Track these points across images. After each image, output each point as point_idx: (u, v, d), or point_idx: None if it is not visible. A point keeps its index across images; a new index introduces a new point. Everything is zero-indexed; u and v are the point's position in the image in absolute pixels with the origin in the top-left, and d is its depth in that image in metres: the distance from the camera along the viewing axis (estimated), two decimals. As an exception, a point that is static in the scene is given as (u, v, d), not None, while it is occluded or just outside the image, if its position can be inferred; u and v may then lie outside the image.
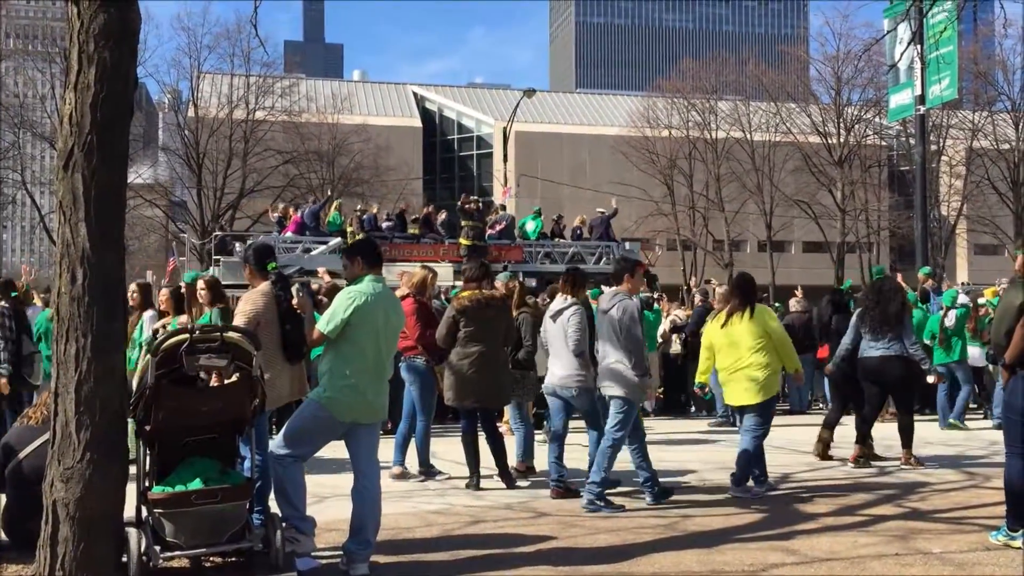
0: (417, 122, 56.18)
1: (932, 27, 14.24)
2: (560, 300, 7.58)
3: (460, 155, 58.54)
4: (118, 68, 4.88)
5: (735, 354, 7.62)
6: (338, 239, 20.61)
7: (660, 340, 15.38)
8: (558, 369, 7.41)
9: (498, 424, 8.45)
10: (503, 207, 23.90)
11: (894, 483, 8.12)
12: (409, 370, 8.31)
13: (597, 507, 6.88)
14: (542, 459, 8.85)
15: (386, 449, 7.00)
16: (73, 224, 4.74)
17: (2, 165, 46.01)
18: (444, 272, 18.43)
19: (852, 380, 9.49)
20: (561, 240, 23.71)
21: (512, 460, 8.27)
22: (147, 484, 4.80)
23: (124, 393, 4.83)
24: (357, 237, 19.74)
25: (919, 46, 14.68)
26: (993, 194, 46.41)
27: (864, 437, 9.20)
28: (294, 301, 5.83)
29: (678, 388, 15.46)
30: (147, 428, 4.69)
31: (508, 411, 9.04)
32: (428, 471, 8.27)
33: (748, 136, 47.89)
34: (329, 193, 24.45)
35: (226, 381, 4.93)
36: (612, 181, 44.25)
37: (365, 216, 21.55)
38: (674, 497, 7.39)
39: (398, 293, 7.46)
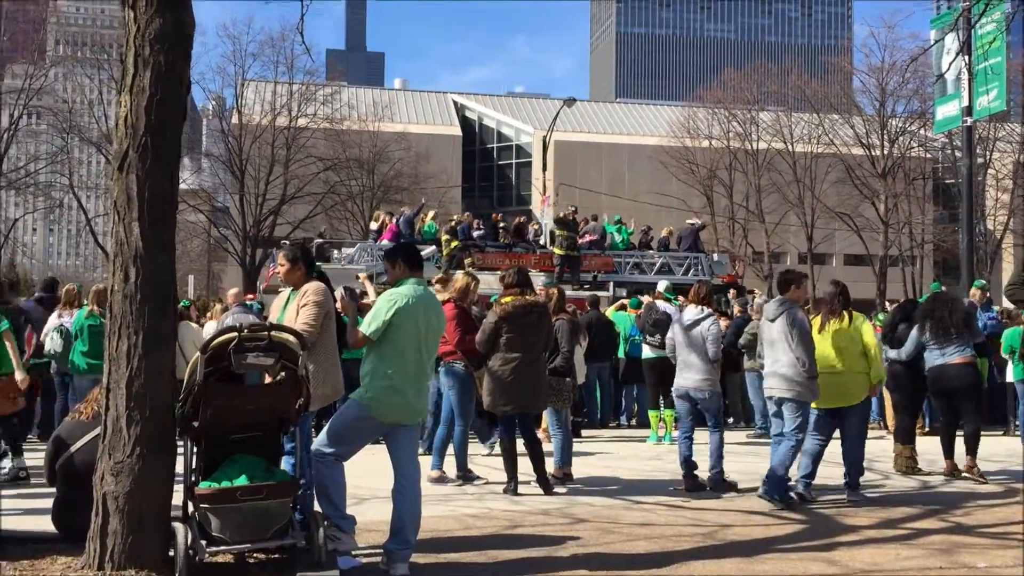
0: (457, 130, 56.46)
1: (981, 37, 14.05)
2: (695, 310, 8.34)
3: (499, 164, 58.71)
4: (172, 71, 5.00)
5: (833, 358, 7.77)
6: (432, 247, 21.10)
7: (699, 350, 15.30)
8: (693, 373, 8.20)
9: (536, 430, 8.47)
10: (594, 217, 24.16)
11: (938, 496, 8.01)
12: (448, 374, 8.37)
13: (789, 500, 7.39)
14: (579, 465, 8.88)
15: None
16: (127, 224, 4.86)
17: (51, 170, 47.00)
18: (537, 281, 18.81)
19: (908, 389, 9.52)
20: (649, 251, 23.97)
21: (550, 466, 8.28)
22: (194, 480, 4.89)
23: (173, 389, 4.93)
24: (452, 245, 20.13)
25: (967, 57, 14.49)
26: (1041, 208, 45.62)
27: (950, 451, 9.14)
28: (338, 304, 5.90)
29: (716, 399, 15.35)
30: (195, 425, 4.78)
31: (546, 417, 9.05)
32: (466, 475, 8.31)
33: (790, 147, 47.49)
34: (423, 202, 24.85)
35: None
36: (651, 191, 44.16)
37: (460, 225, 21.93)
38: (712, 506, 7.35)
39: (440, 298, 7.52)
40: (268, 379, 5.03)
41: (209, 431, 4.81)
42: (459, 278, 8.75)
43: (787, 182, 46.88)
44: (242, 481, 4.75)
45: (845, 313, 7.94)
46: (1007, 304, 12.85)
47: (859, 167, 45.60)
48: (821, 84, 52.23)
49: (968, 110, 15.91)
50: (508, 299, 7.89)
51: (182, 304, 13.79)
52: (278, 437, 5.18)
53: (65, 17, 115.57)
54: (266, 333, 4.84)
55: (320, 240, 24.89)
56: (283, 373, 4.92)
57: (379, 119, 46.63)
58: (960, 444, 9.20)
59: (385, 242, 21.54)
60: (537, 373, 7.91)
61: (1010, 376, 12.20)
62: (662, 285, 13.85)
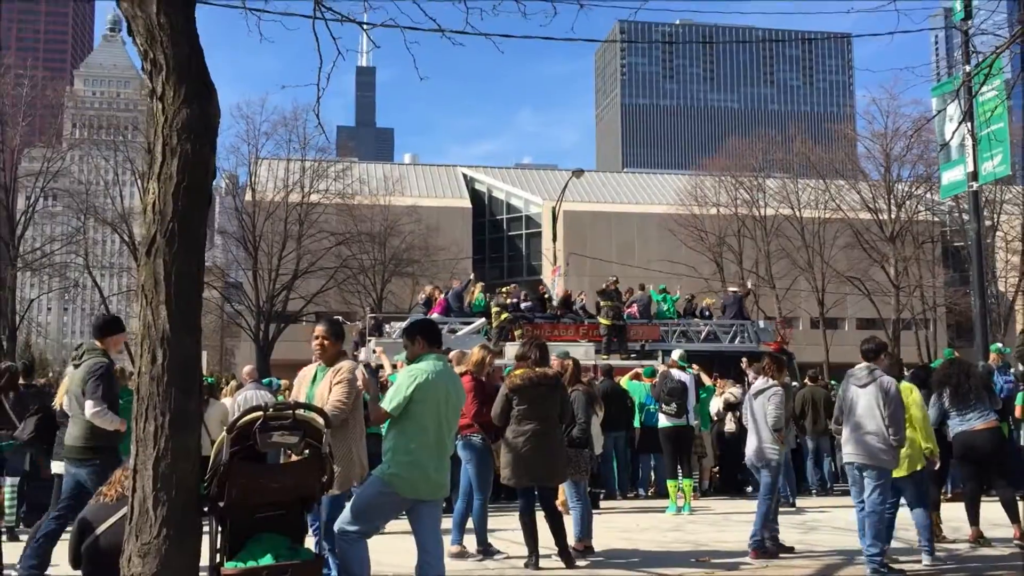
0: (467, 202, 57.10)
1: (982, 104, 14.29)
2: (762, 381, 8.82)
3: (509, 234, 59.19)
4: (199, 159, 5.16)
5: None
6: (482, 319, 21.48)
7: (715, 418, 15.26)
8: (756, 442, 8.66)
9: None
10: (642, 287, 24.50)
11: (964, 562, 7.92)
12: (466, 447, 8.39)
13: (882, 573, 7.40)
14: (600, 537, 8.82)
15: (445, 527, 7.03)
16: (154, 307, 4.97)
17: (67, 250, 47.62)
18: (584, 351, 19.20)
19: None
20: (695, 318, 24.13)
21: (571, 539, 8.23)
22: (219, 560, 4.90)
23: (198, 471, 4.98)
24: (502, 317, 20.47)
25: (969, 123, 14.70)
26: (1052, 269, 45.57)
27: (976, 517, 9.08)
28: (358, 381, 5.98)
29: (734, 467, 15.23)
30: (220, 504, 4.82)
31: (564, 489, 9.03)
32: (486, 550, 8.26)
33: (797, 213, 47.81)
34: (471, 276, 25.32)
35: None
36: (661, 259, 44.34)
37: (509, 298, 22.29)
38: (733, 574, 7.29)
39: (457, 371, 7.59)
40: (293, 457, 5.08)
41: (234, 510, 4.85)
42: (475, 352, 8.83)
43: (796, 247, 47.07)
44: (267, 560, 4.77)
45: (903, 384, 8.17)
46: (1022, 366, 12.84)
47: (867, 231, 45.80)
48: (826, 151, 52.73)
49: (973, 175, 16.08)
50: (519, 372, 7.97)
51: (208, 381, 13.89)
52: (302, 515, 5.21)
53: (81, 100, 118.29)
54: (291, 412, 4.91)
55: (374, 316, 25.11)
56: (307, 451, 4.98)
57: (390, 193, 47.27)
58: (986, 510, 9.13)
59: (436, 315, 21.88)
60: (552, 445, 7.91)
61: None
62: (676, 354, 13.88)
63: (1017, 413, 11.96)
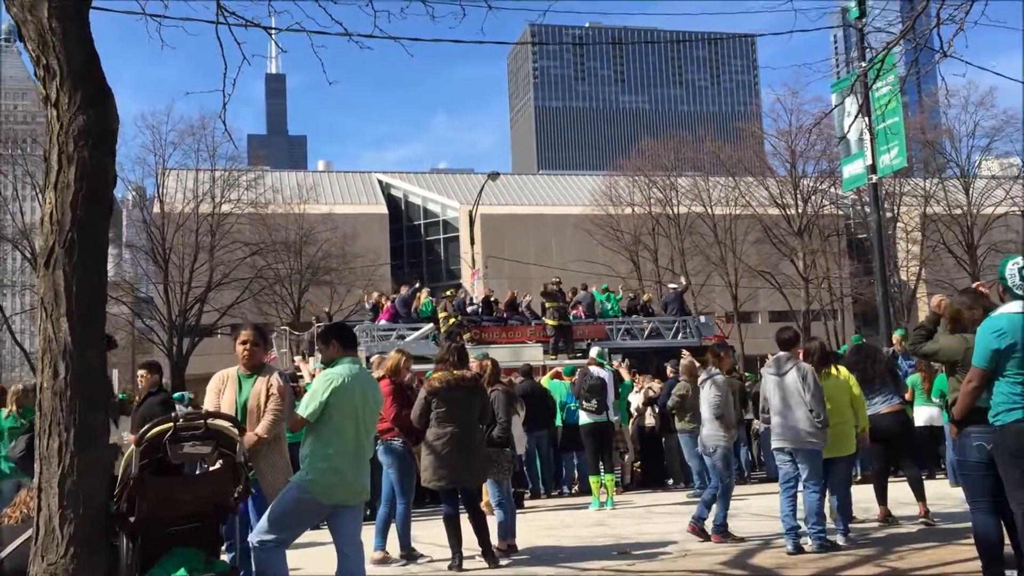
0: (383, 209, 56.70)
1: (877, 100, 14.86)
2: (705, 372, 9.09)
3: (427, 240, 59.01)
4: (97, 167, 5.02)
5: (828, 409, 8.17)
6: (430, 325, 21.55)
7: (634, 413, 15.48)
8: (703, 430, 8.98)
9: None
10: (584, 287, 24.80)
11: (873, 541, 8.20)
12: (387, 452, 8.33)
13: (827, 546, 7.79)
14: (524, 535, 8.86)
15: (366, 533, 6.97)
16: (55, 320, 4.82)
17: (-35, 268, 45.69)
18: (534, 352, 19.11)
19: None
20: (637, 316, 24.42)
21: (494, 539, 8.25)
22: (131, 577, 4.77)
23: (107, 486, 4.84)
24: (450, 322, 20.49)
25: (867, 118, 15.26)
26: (950, 258, 47.48)
27: (884, 497, 9.39)
28: (273, 388, 5.90)
29: (655, 460, 15.49)
30: (131, 520, 4.69)
31: (488, 490, 9.05)
32: (409, 554, 8.22)
33: (709, 210, 48.86)
34: (417, 283, 25.18)
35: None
36: (578, 259, 44.78)
37: (455, 301, 22.25)
38: (656, 568, 7.40)
39: (375, 375, 7.54)
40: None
41: (146, 525, 4.72)
42: (391, 356, 8.78)
43: (709, 244, 48.08)
44: (181, 575, 4.66)
45: (833, 366, 8.41)
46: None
47: (776, 226, 47.05)
48: (734, 149, 53.99)
49: (872, 168, 16.67)
50: (437, 375, 7.97)
51: (120, 397, 13.49)
52: (217, 527, 5.11)
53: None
54: (202, 421, 4.81)
55: (320, 325, 24.73)
56: (220, 461, 4.89)
57: (304, 201, 46.57)
58: (893, 490, 9.48)
59: (383, 322, 22.07)
60: (472, 446, 7.93)
61: (938, 420, 12.59)
62: (594, 351, 14.04)
63: (907, 396, 12.46)
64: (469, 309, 22.75)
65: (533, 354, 19.94)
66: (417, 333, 21.40)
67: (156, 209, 44.36)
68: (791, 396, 7.97)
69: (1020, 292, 5.47)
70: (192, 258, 42.55)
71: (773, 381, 8.14)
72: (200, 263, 42.64)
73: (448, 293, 22.58)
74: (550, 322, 21.63)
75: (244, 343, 6.18)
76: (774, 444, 8.20)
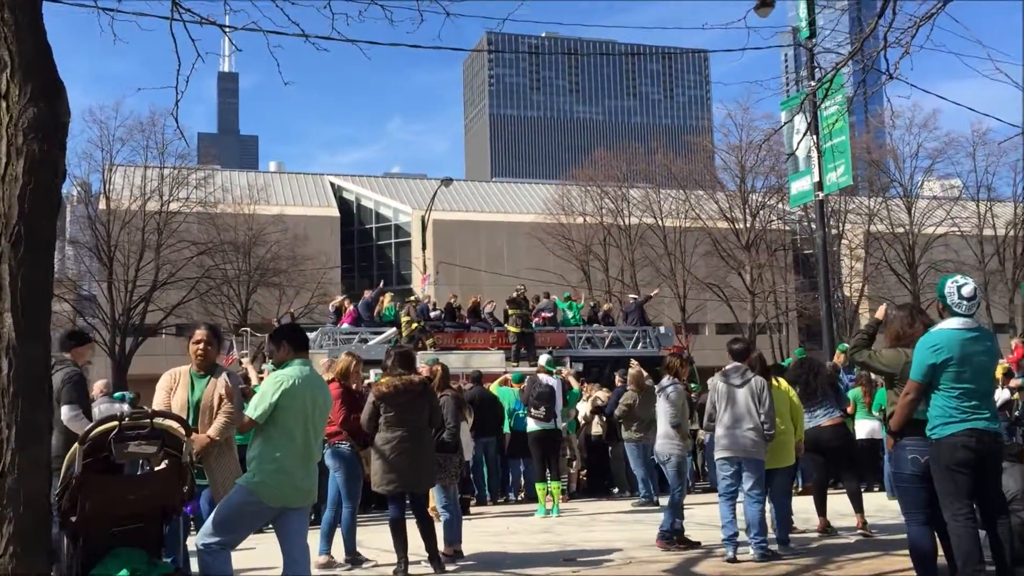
0: (335, 211, 56.30)
1: (825, 118, 15.19)
2: (665, 380, 9.11)
3: (378, 244, 58.71)
4: (47, 161, 4.94)
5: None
6: (393, 329, 21.54)
7: (582, 421, 15.58)
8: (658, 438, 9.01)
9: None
10: (546, 295, 24.95)
11: (813, 551, 8.37)
12: (334, 456, 8.30)
13: (769, 556, 7.93)
14: (470, 541, 8.87)
15: (312, 537, 6.93)
16: (-1, 314, 4.72)
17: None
18: (496, 359, 19.50)
19: None
20: (598, 325, 24.60)
21: (441, 545, 8.25)
22: (72, 577, 4.70)
23: (48, 485, 4.76)
24: (412, 327, 20.50)
25: (815, 136, 15.59)
26: (892, 275, 48.56)
27: (823, 508, 9.56)
28: (221, 390, 5.86)
29: (601, 469, 15.60)
30: (73, 519, 4.62)
31: (434, 495, 9.05)
32: (355, 559, 8.19)
33: (660, 222, 49.40)
34: (382, 285, 25.16)
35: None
36: (529, 267, 44.95)
37: (419, 306, 22.29)
38: (606, 573, 7.47)
39: (324, 378, 7.51)
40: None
41: (88, 525, 4.66)
42: (341, 358, 8.75)
43: (659, 256, 48.58)
44: (124, 575, 4.60)
45: (773, 378, 8.56)
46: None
47: (725, 240, 47.72)
48: (686, 162, 54.63)
49: (819, 185, 17.01)
50: (385, 379, 7.96)
51: (122, 396, 13.26)
52: (160, 527, 5.05)
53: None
54: (148, 420, 4.76)
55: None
56: (166, 461, 4.83)
57: (254, 202, 46.04)
58: (832, 501, 9.68)
59: (346, 326, 21.99)
60: (422, 450, 7.92)
61: (879, 433, 12.87)
62: (543, 359, 14.12)
63: (849, 409, 12.74)
64: (432, 314, 22.78)
65: (494, 360, 19.96)
66: (379, 337, 21.39)
67: (102, 206, 43.51)
68: (741, 407, 8.11)
69: (958, 310, 5.66)
70: (138, 256, 41.83)
71: (724, 391, 8.27)
72: (146, 261, 41.93)
73: (412, 298, 22.62)
74: (513, 329, 21.77)
75: (198, 343, 6.14)
76: (720, 454, 8.30)
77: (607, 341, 23.81)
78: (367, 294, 23.31)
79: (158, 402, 6.04)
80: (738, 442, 8.10)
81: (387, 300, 23.10)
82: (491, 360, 19.79)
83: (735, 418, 8.12)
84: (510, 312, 22.13)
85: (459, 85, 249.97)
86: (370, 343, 21.03)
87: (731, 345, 8.59)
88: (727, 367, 8.46)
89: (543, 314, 23.22)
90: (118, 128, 43.63)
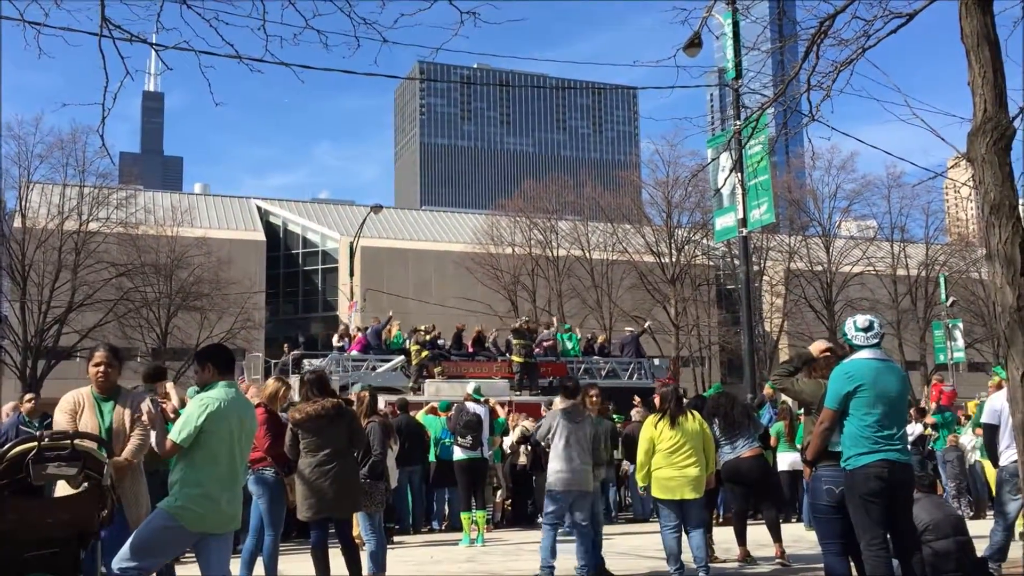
0: (261, 235, 55.51)
1: (750, 157, 15.65)
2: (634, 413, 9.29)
3: (304, 269, 58.01)
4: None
5: (687, 453, 8.42)
6: (401, 357, 21.98)
7: (508, 451, 15.60)
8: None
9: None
10: (547, 325, 25.62)
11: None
12: (258, 482, 8.14)
13: None
14: (394, 570, 8.78)
15: (232, 565, 6.79)
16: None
17: None
18: (502, 386, 20.33)
19: None
20: (596, 356, 25.15)
21: (364, 572, 8.15)
22: (-20, 604, 4.53)
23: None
24: (422, 355, 20.88)
25: (739, 174, 16.03)
26: (810, 312, 49.89)
27: (743, 538, 9.69)
28: (143, 415, 5.74)
29: (525, 498, 15.62)
30: (-16, 543, 4.47)
31: (359, 522, 8.95)
32: (276, 588, 8.03)
33: (587, 254, 49.97)
34: (390, 314, 25.71)
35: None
36: (457, 296, 44.95)
37: (428, 336, 22.45)
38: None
39: (252, 402, 7.40)
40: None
41: (1, 548, 4.50)
42: (269, 383, 8.64)
43: (586, 287, 49.09)
44: (37, 602, 4.46)
45: (688, 412, 8.63)
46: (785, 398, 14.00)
47: (651, 273, 48.50)
48: (614, 196, 55.46)
49: (743, 222, 17.48)
50: (300, 405, 7.88)
51: None
52: (77, 553, 4.90)
53: None
54: (68, 441, 4.64)
55: (297, 353, 24.10)
56: (86, 484, 4.71)
57: (178, 224, 45.12)
58: (752, 531, 9.87)
59: (355, 353, 22.31)
60: (343, 474, 7.80)
61: (799, 465, 13.17)
62: (471, 387, 14.12)
63: (771, 442, 13.06)
64: (439, 343, 23.09)
65: (499, 387, 20.41)
66: (388, 364, 21.88)
67: (17, 224, 42.13)
68: (579, 443, 8.47)
69: (859, 342, 5.93)
70: (53, 276, 40.56)
71: (565, 427, 8.54)
72: (62, 282, 40.68)
73: (421, 328, 22.79)
74: (516, 359, 22.12)
75: (98, 365, 5.97)
76: (560, 487, 8.46)
77: (604, 372, 24.38)
78: (376, 322, 23.69)
79: (63, 425, 5.82)
80: (575, 477, 8.42)
81: (395, 328, 23.64)
82: (498, 387, 20.19)
83: (571, 454, 8.45)
84: (514, 342, 22.54)
85: (390, 112, 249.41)
86: (379, 370, 21.57)
87: (563, 382, 9.20)
88: (564, 405, 8.77)
89: (543, 343, 23.72)
90: (36, 144, 42.39)
